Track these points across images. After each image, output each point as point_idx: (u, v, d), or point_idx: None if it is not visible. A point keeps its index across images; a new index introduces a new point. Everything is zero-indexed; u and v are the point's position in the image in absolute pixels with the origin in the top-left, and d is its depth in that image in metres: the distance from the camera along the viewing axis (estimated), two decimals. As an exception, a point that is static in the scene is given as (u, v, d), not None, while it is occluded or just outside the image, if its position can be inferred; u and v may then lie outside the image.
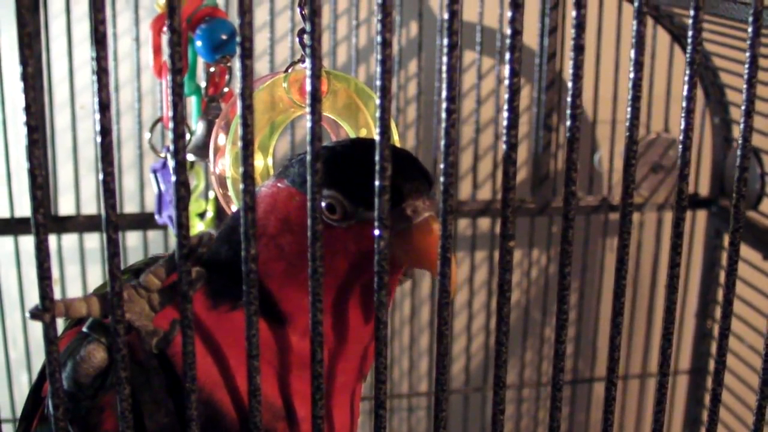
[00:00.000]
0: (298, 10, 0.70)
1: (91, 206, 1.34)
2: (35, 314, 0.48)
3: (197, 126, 0.94)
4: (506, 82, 0.49)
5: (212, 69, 0.92)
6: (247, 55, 0.45)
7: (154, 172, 1.03)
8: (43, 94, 1.28)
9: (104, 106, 0.45)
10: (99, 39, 0.44)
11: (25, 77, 0.45)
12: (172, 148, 0.45)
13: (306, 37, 0.71)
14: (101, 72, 0.45)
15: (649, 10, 1.26)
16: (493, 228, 1.47)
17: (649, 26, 1.35)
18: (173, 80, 0.45)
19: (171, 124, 0.45)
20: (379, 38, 0.46)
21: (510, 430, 1.60)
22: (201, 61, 0.95)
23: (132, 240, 1.37)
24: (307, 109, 0.46)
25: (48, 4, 1.28)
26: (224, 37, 0.90)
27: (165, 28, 0.92)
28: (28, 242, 1.33)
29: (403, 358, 1.53)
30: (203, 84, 0.94)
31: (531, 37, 1.37)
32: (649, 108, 1.39)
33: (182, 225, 0.47)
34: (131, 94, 1.32)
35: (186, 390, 0.49)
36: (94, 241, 1.37)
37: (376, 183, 0.48)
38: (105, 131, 0.45)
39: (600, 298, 1.53)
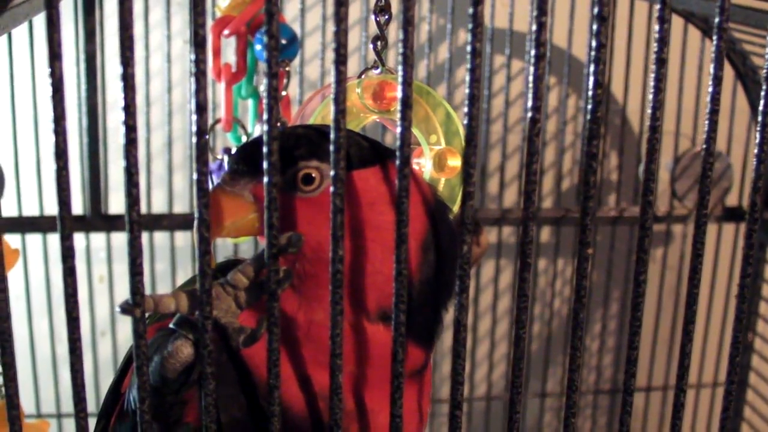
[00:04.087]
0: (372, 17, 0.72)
1: (140, 204, 1.35)
2: (126, 309, 0.49)
3: (255, 129, 0.95)
4: (590, 92, 0.50)
5: (271, 73, 0.94)
6: (342, 61, 0.46)
7: (210, 173, 1.04)
8: (96, 94, 1.30)
9: (201, 108, 0.46)
10: (199, 42, 0.45)
11: (125, 77, 0.46)
12: (265, 150, 0.47)
13: (380, 44, 0.73)
14: (200, 74, 0.46)
15: (699, 23, 1.27)
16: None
17: (698, 39, 1.35)
18: (269, 84, 0.46)
19: (266, 127, 0.47)
20: (468, 47, 0.47)
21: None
22: (260, 65, 0.97)
23: (180, 240, 1.39)
24: (398, 115, 0.47)
25: (103, 3, 1.30)
26: (284, 41, 0.92)
27: (226, 31, 0.94)
28: (77, 240, 1.35)
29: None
30: (262, 88, 0.95)
31: (580, 48, 1.38)
32: (695, 120, 1.40)
33: (272, 225, 0.48)
34: (182, 96, 1.34)
35: (269, 386, 0.50)
36: (143, 239, 1.38)
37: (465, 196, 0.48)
38: (201, 132, 0.47)
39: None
